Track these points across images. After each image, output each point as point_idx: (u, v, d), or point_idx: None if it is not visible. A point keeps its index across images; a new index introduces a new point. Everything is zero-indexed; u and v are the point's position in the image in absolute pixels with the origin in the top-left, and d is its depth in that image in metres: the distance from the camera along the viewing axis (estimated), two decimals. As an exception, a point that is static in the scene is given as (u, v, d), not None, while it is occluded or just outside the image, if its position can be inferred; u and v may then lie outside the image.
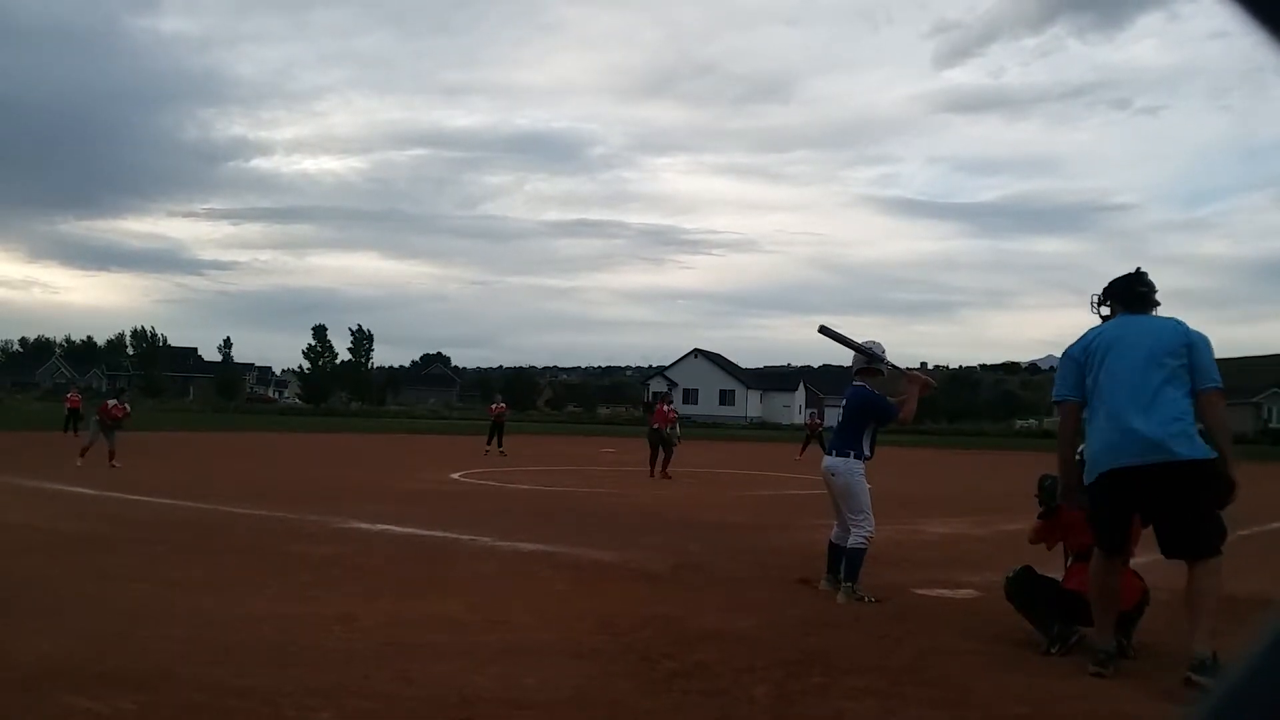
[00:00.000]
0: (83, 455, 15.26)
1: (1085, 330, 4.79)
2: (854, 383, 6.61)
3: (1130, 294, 4.74)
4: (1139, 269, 4.84)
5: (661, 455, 17.30)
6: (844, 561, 6.24)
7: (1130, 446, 4.31)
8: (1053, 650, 4.80)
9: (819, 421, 27.90)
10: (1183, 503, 4.27)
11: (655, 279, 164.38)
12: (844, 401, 6.57)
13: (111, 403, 15.97)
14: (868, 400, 6.42)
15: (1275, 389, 70.87)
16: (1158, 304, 4.72)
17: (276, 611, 5.35)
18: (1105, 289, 4.86)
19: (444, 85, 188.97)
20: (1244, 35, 0.59)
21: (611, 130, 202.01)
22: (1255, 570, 6.91)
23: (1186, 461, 4.24)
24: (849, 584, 6.15)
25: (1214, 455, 4.29)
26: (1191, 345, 4.43)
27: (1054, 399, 4.78)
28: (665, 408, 17.95)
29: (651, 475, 17.03)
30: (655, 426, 17.56)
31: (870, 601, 6.03)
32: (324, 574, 6.68)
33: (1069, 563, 5.22)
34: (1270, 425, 65.25)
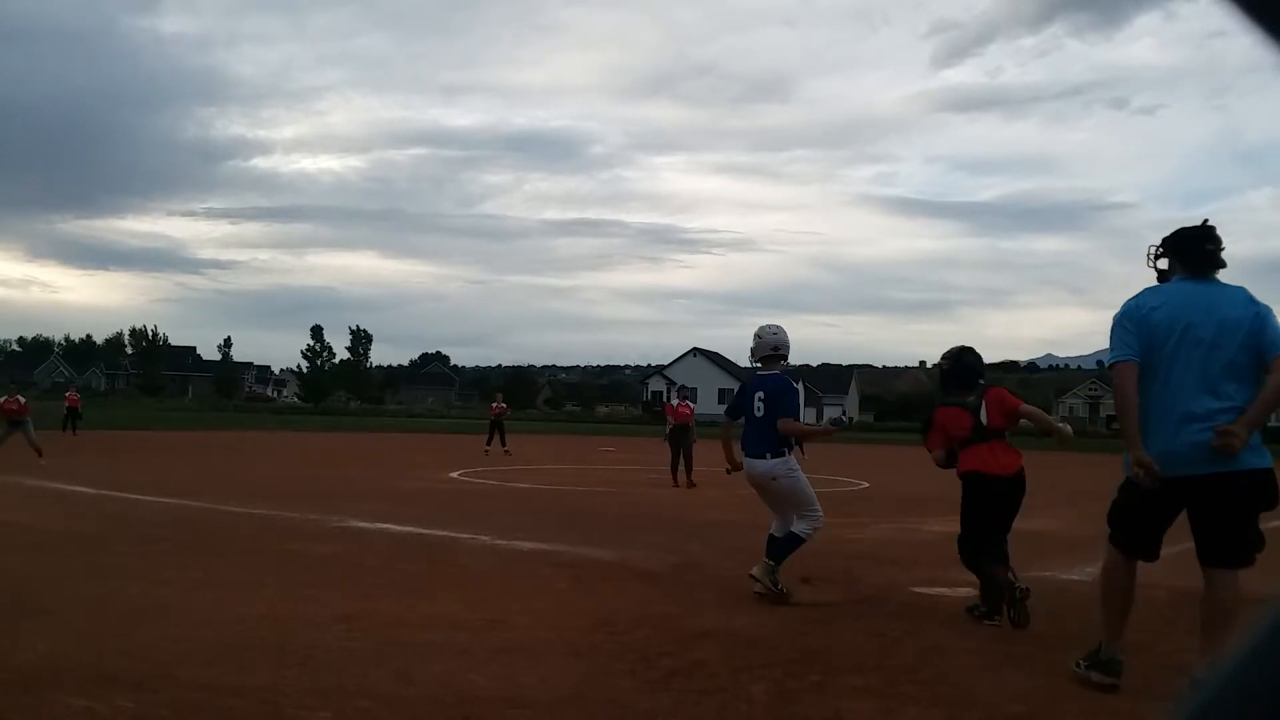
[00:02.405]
0: (39, 454, 15.51)
1: (1140, 291, 4.13)
2: (761, 371, 6.23)
3: (1199, 252, 4.05)
4: (1206, 222, 4.13)
5: (683, 457, 15.34)
6: (779, 541, 5.96)
7: (1191, 453, 3.83)
8: (983, 619, 5.40)
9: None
10: (1237, 513, 3.88)
11: (654, 278, 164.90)
12: (759, 392, 6.05)
13: (2, 398, 16.41)
14: (789, 391, 6.10)
15: (1273, 387, 70.89)
16: (1224, 265, 4.04)
17: (275, 611, 5.35)
18: (1167, 240, 4.18)
19: (443, 85, 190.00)
20: (1241, 35, 0.59)
21: (610, 129, 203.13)
22: (1255, 570, 6.91)
23: (1249, 471, 3.84)
24: (771, 562, 5.89)
25: (1271, 464, 3.86)
26: (1262, 318, 3.91)
27: (1112, 360, 4.08)
28: (674, 402, 16.32)
29: (675, 484, 15.11)
30: (678, 424, 15.69)
31: (781, 592, 5.82)
32: (323, 573, 6.67)
33: (959, 449, 5.62)
34: (1269, 425, 65.33)
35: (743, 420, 6.24)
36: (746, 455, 6.06)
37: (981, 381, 5.85)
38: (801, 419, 6.19)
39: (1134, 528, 4.07)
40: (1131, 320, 4.00)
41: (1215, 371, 3.85)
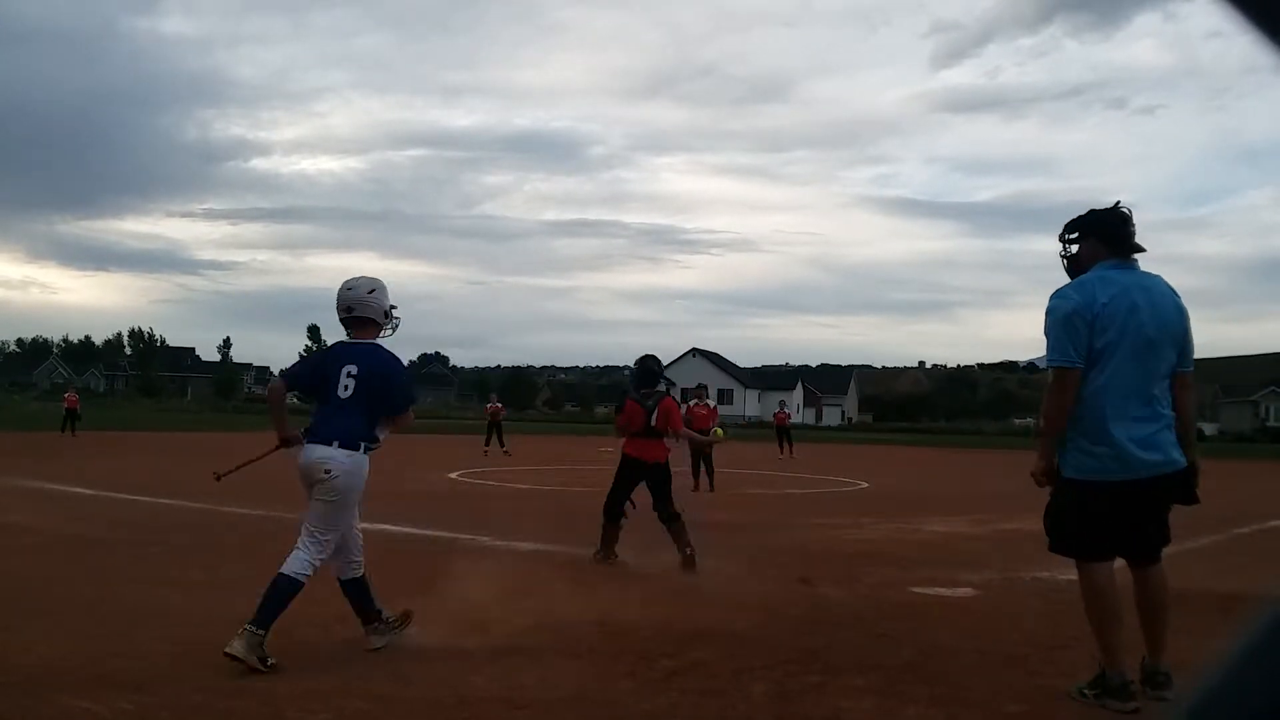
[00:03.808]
0: None
1: (1074, 280, 3.91)
2: (356, 340, 4.68)
3: (1126, 235, 3.85)
4: (1119, 204, 3.93)
5: (703, 461, 14.91)
6: (357, 596, 4.73)
7: (1139, 457, 3.75)
8: (596, 557, 7.28)
9: (788, 414, 27.75)
10: (1163, 509, 3.90)
11: (654, 279, 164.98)
12: (350, 366, 4.54)
13: None
14: (400, 372, 4.87)
15: (1273, 387, 71.00)
16: (1144, 249, 3.89)
17: (275, 612, 5.33)
18: (1081, 221, 3.96)
19: (443, 85, 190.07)
20: (1240, 35, 0.59)
21: (611, 130, 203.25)
22: (1254, 569, 6.92)
23: (1180, 471, 3.84)
24: (379, 625, 4.71)
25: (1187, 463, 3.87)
26: (1185, 324, 3.88)
27: (1057, 363, 3.82)
28: (691, 403, 15.65)
29: (696, 489, 14.18)
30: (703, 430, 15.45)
31: (397, 626, 4.76)
32: (322, 574, 6.65)
33: (630, 437, 7.52)
34: (1268, 424, 65.38)
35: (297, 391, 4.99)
36: (309, 440, 4.55)
37: (662, 384, 7.71)
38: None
39: (1089, 529, 3.88)
40: (1083, 318, 3.76)
41: (1156, 371, 3.79)
